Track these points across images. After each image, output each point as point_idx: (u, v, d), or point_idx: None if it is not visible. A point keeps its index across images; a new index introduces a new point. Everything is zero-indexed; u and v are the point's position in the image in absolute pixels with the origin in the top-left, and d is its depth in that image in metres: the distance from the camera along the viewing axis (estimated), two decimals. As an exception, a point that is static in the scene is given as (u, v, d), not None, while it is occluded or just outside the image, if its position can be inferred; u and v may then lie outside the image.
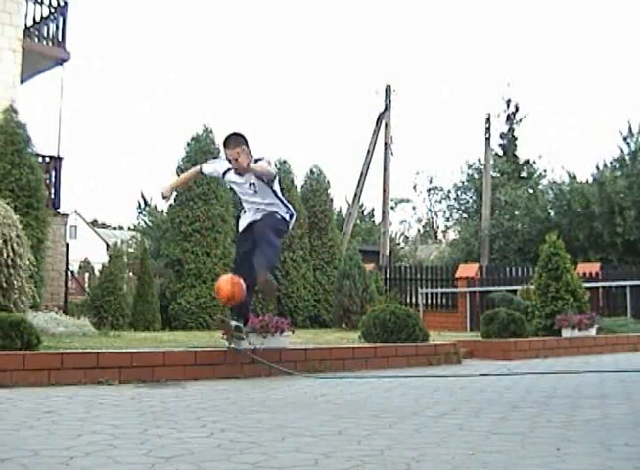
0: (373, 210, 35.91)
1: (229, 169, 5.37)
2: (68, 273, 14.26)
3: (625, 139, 22.92)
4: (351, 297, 12.85)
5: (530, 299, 10.20)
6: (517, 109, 28.83)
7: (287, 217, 5.36)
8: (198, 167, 5.76)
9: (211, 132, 13.47)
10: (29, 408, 3.66)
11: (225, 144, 5.20)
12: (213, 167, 5.62)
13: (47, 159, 13.02)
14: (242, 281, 5.03)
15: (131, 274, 14.75)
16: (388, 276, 16.99)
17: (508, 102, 28.76)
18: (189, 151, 13.28)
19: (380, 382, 5.27)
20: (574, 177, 23.05)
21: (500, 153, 28.40)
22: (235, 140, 5.18)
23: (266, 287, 5.17)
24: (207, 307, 12.53)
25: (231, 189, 5.91)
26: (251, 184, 5.26)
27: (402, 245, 38.21)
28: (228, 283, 5.01)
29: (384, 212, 21.54)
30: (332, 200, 15.54)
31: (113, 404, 3.87)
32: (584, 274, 13.50)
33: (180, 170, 13.20)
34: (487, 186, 23.43)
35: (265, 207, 5.31)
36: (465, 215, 28.64)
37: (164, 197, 5.61)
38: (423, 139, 65.91)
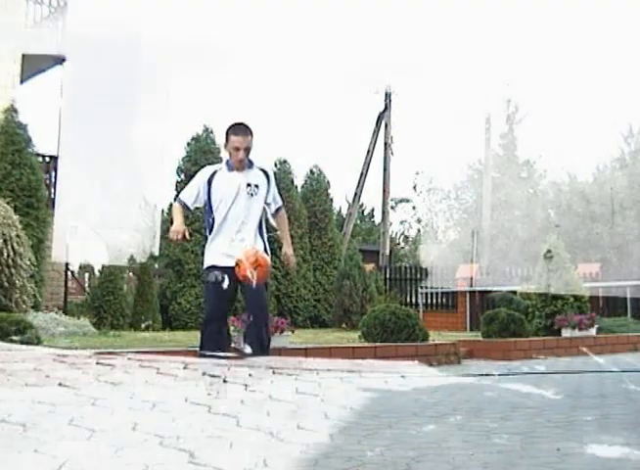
0: (373, 210, 35.85)
1: (217, 171, 4.61)
2: (68, 273, 14.24)
3: (626, 139, 22.94)
4: (351, 297, 12.85)
5: (530, 299, 10.20)
6: (517, 109, 28.86)
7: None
8: (177, 205, 4.77)
9: (211, 132, 13.45)
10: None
11: (235, 132, 4.52)
12: (190, 191, 4.68)
13: (47, 159, 13.01)
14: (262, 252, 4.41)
15: (131, 274, 14.75)
16: (388, 276, 16.99)
17: (508, 102, 28.79)
18: (189, 151, 13.27)
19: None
20: (575, 177, 23.08)
21: (500, 153, 28.40)
22: (248, 130, 4.54)
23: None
24: (207, 307, 12.52)
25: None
26: (249, 185, 4.53)
27: (402, 245, 38.16)
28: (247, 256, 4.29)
29: (384, 212, 21.56)
30: (332, 200, 15.55)
31: (113, 404, 3.87)
32: (584, 274, 13.50)
33: (180, 170, 13.21)
34: (487, 186, 23.43)
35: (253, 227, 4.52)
36: (465, 215, 28.65)
37: (178, 239, 4.62)
38: (423, 139, 65.84)
